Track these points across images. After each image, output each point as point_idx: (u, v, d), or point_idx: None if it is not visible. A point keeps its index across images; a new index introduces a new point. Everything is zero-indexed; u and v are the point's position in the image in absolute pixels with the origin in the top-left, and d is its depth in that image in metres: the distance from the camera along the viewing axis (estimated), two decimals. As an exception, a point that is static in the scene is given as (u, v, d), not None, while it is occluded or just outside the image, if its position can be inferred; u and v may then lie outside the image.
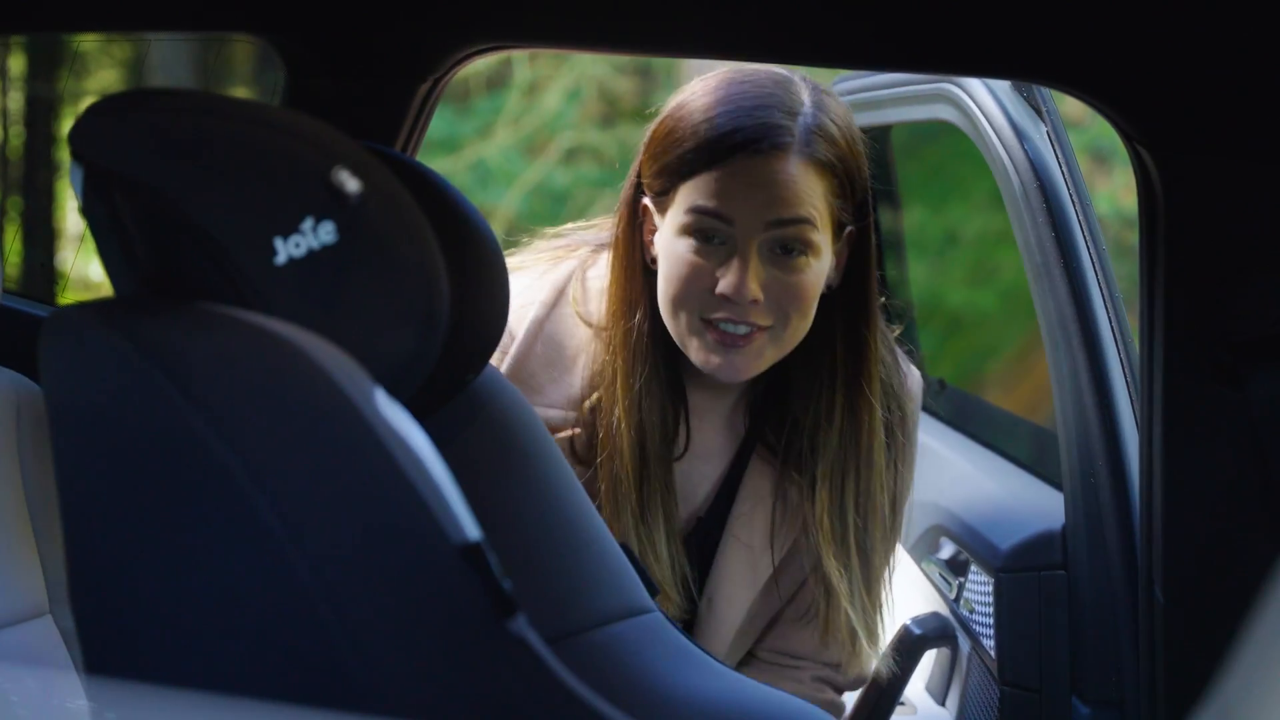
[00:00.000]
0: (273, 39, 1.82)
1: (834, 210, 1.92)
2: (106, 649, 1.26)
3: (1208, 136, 1.72)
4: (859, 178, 1.95)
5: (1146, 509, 1.88)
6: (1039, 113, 2.30)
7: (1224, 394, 1.78)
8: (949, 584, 2.51)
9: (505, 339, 2.02)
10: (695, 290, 1.91)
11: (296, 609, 1.18)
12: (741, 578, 2.08)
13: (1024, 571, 2.30)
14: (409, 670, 1.20)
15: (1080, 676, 2.23)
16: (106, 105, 1.31)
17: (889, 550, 2.11)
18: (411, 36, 1.81)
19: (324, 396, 1.21)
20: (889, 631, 2.14)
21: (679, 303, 1.93)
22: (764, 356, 1.94)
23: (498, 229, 1.58)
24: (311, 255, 1.27)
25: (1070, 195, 2.25)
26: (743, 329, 1.91)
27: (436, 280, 1.33)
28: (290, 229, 1.26)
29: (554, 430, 2.02)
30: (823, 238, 1.91)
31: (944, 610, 2.52)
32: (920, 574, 2.65)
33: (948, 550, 2.55)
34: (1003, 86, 2.35)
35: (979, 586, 2.40)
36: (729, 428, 2.09)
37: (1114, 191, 7.40)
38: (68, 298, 2.77)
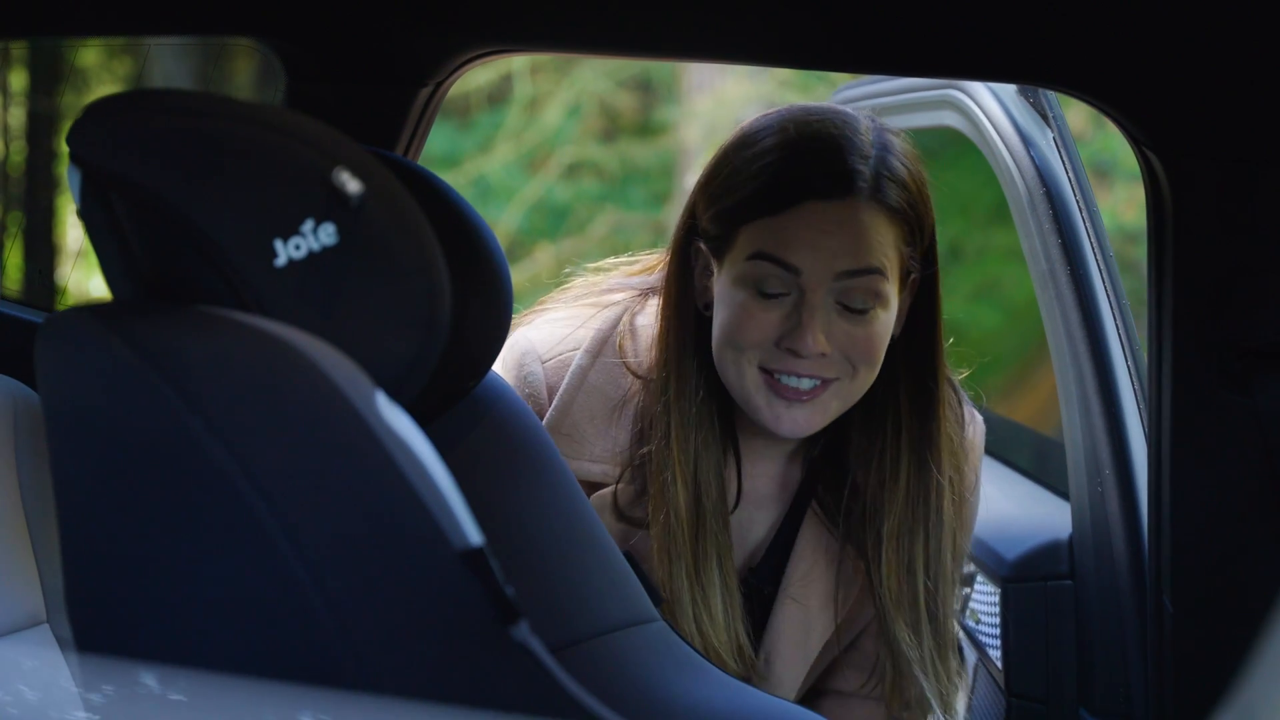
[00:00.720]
0: (272, 44, 1.80)
1: (903, 258, 1.83)
2: (103, 654, 1.24)
3: (1216, 141, 1.70)
4: (927, 222, 1.86)
5: (1155, 517, 1.86)
6: (1045, 119, 2.28)
7: (1233, 401, 1.76)
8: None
9: (542, 390, 1.94)
10: (755, 342, 1.81)
11: (295, 614, 1.16)
12: (799, 640, 1.98)
13: (1031, 581, 2.28)
14: (410, 677, 1.18)
15: (1088, 687, 2.21)
16: (104, 106, 1.30)
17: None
18: (412, 41, 1.79)
19: (324, 399, 1.20)
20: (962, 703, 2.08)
21: (737, 355, 1.83)
22: (829, 411, 1.84)
23: (499, 244, 1.58)
24: (312, 257, 1.25)
25: (1077, 201, 2.24)
26: (807, 383, 1.81)
27: (438, 283, 1.31)
28: (290, 231, 1.25)
29: (596, 486, 1.94)
30: (891, 288, 1.82)
31: (949, 621, 2.50)
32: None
33: (953, 561, 2.53)
34: (1008, 93, 2.34)
35: (985, 597, 2.38)
36: (783, 476, 1.99)
37: (1114, 206, 7.40)
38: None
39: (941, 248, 1.90)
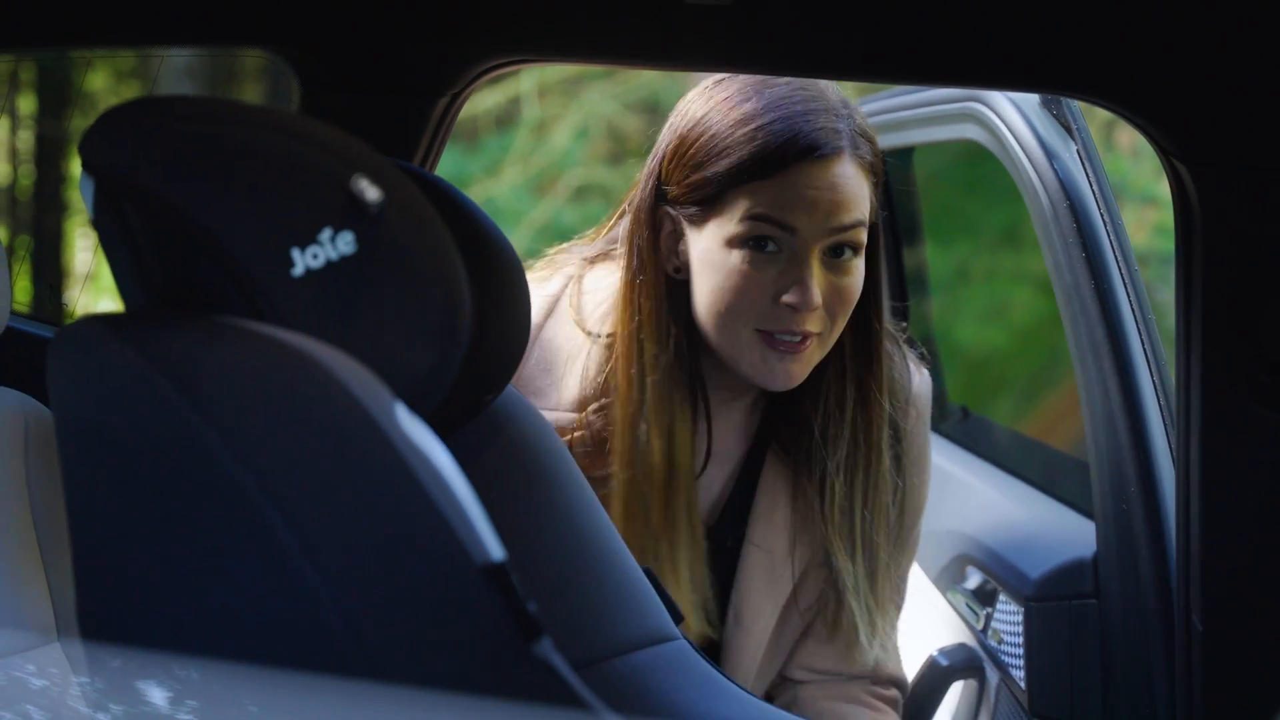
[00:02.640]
0: (286, 54, 1.78)
1: (872, 208, 1.92)
2: (114, 670, 1.22)
3: (1246, 151, 1.68)
4: (882, 171, 1.96)
5: (1184, 534, 1.83)
6: (1069, 130, 2.26)
7: (1263, 415, 1.73)
8: (976, 614, 2.46)
9: None
10: (753, 302, 1.89)
11: (311, 629, 1.14)
12: (765, 588, 2.05)
13: (1054, 601, 2.25)
14: (428, 694, 1.16)
15: (1113, 709, 2.18)
16: (117, 113, 1.28)
17: (901, 558, 2.10)
18: (430, 51, 1.78)
19: (342, 411, 1.17)
20: (896, 629, 2.12)
21: (733, 315, 1.90)
22: (813, 360, 1.93)
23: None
24: (330, 266, 1.23)
25: (1101, 214, 2.21)
26: (798, 336, 1.89)
27: (458, 293, 1.29)
28: (308, 239, 1.23)
29: None
30: (865, 237, 1.92)
31: (971, 641, 2.47)
32: (946, 604, 2.60)
33: (974, 580, 2.50)
34: (1031, 105, 2.31)
35: (1008, 616, 2.35)
36: (742, 429, 2.08)
37: (1125, 229, 7.38)
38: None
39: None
